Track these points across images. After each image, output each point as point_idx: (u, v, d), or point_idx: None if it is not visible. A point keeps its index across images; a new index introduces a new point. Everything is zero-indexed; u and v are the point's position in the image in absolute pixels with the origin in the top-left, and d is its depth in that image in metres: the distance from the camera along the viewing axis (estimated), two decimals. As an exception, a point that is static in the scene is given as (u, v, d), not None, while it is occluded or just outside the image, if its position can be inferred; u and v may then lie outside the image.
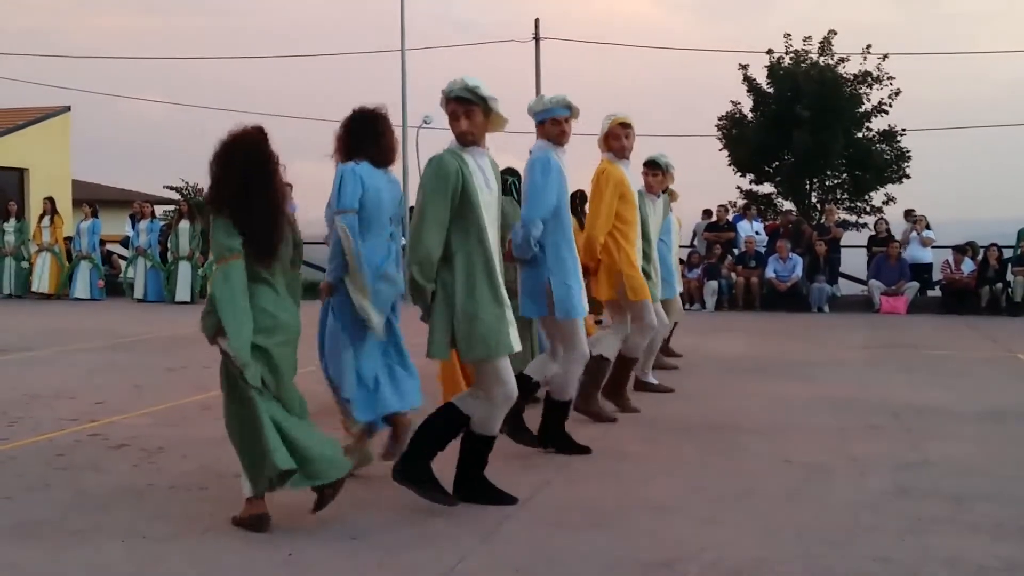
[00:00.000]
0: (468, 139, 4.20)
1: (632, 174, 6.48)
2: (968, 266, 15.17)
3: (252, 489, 3.98)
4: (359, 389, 4.65)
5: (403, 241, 5.49)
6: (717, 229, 16.75)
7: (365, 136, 4.69)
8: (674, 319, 8.48)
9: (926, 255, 16.01)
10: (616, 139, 6.20)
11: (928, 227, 16.15)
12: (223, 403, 4.07)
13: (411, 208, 5.19)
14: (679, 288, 8.62)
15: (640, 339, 6.52)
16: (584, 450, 5.39)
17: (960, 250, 15.39)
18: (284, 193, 4.13)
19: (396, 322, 4.84)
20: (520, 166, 5.86)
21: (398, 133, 5.05)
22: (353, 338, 4.63)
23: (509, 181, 6.41)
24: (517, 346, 4.21)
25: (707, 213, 17.58)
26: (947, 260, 15.49)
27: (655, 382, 7.57)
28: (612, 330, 6.49)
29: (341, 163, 4.69)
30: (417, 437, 4.28)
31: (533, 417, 5.48)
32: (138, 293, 16.87)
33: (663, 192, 8.00)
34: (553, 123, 5.19)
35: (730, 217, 17.43)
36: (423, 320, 4.22)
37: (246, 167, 3.98)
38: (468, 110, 4.18)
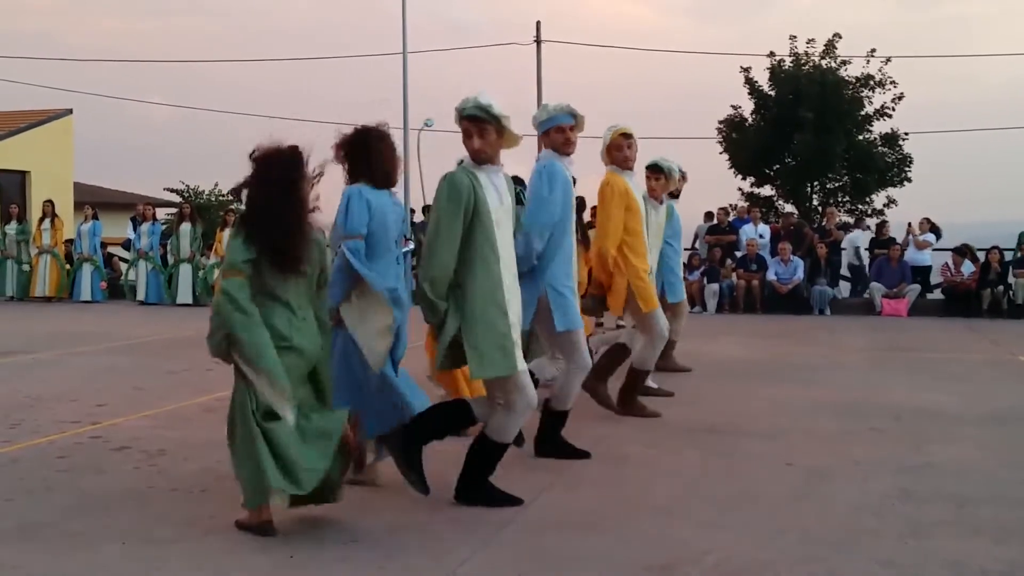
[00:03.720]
0: (482, 157, 4.21)
1: (636, 183, 6.47)
2: (968, 268, 15.18)
3: (249, 501, 3.94)
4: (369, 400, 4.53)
5: (411, 259, 5.37)
6: (718, 232, 16.74)
7: (365, 158, 4.59)
8: (679, 324, 8.38)
9: (925, 258, 16.01)
10: (618, 150, 6.18)
11: (933, 229, 16.11)
12: (229, 415, 4.01)
13: (415, 224, 4.95)
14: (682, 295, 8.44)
15: (650, 352, 6.51)
16: (583, 454, 5.36)
17: (959, 252, 15.40)
18: (306, 211, 4.06)
19: (401, 348, 4.67)
20: (523, 172, 5.82)
21: (398, 136, 4.97)
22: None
23: (516, 190, 6.35)
24: (523, 365, 4.23)
25: (708, 215, 17.58)
26: (946, 263, 15.50)
27: (655, 386, 7.43)
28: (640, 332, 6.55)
29: (346, 184, 4.59)
30: (420, 419, 4.33)
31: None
32: (139, 295, 16.88)
33: (669, 197, 7.95)
34: (558, 131, 5.15)
35: (731, 219, 17.42)
36: (434, 336, 4.30)
37: (271, 185, 3.97)
38: (481, 128, 4.18)
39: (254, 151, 4.04)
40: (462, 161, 4.33)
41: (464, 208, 4.10)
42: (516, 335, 4.22)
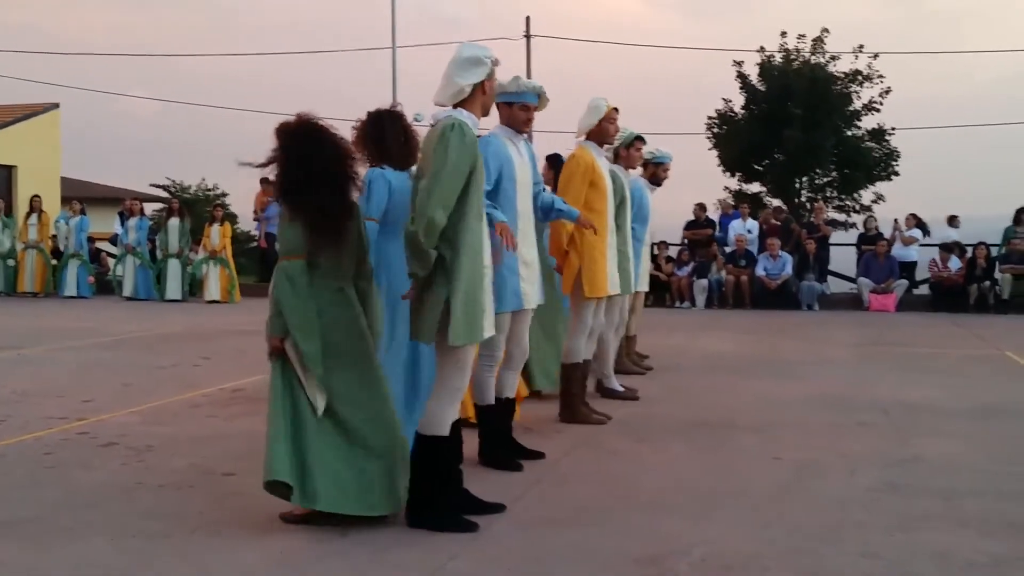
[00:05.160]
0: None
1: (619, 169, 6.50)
2: (955, 264, 15.27)
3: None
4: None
5: None
6: (696, 227, 16.74)
7: (381, 141, 4.63)
8: (634, 318, 8.00)
9: (911, 253, 16.10)
10: (610, 122, 6.20)
11: (920, 225, 16.20)
12: (269, 399, 3.92)
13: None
14: (643, 286, 7.95)
15: (574, 343, 6.08)
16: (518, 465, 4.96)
17: (946, 248, 15.50)
18: (351, 181, 3.98)
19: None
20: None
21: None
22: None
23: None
24: (490, 332, 4.00)
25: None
26: (934, 259, 15.59)
27: (620, 388, 7.04)
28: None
29: (368, 167, 4.63)
30: (417, 486, 3.93)
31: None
32: (127, 291, 16.86)
33: (651, 183, 8.06)
34: (522, 108, 4.96)
35: (713, 216, 17.46)
36: (404, 296, 4.00)
37: (310, 158, 3.85)
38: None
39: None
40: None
41: (471, 163, 3.82)
42: (489, 306, 3.96)
